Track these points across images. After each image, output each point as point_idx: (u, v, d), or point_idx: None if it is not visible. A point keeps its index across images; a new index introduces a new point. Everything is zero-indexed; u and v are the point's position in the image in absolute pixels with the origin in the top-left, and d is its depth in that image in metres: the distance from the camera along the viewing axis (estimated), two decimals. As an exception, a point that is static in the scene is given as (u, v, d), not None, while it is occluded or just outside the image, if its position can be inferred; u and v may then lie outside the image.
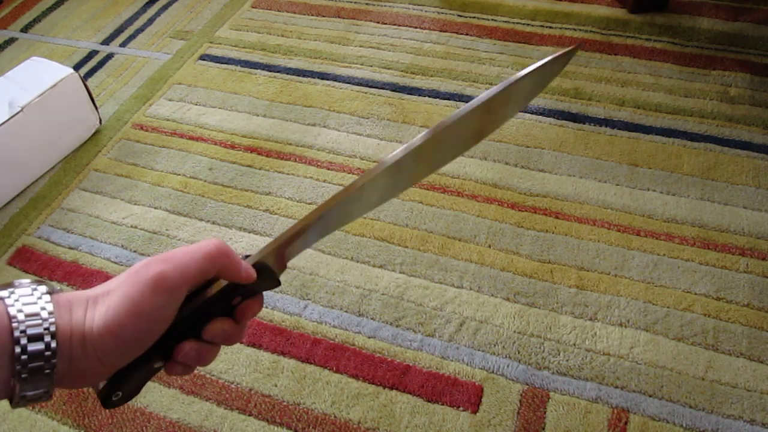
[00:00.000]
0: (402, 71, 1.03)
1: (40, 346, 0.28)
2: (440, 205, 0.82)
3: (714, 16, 1.08)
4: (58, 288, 0.31)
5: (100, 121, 0.99)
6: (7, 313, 0.28)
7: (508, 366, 0.65)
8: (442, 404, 0.63)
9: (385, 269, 0.75)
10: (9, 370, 0.27)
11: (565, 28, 1.08)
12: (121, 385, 0.32)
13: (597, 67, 1.00)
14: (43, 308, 0.28)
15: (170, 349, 0.33)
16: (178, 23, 1.21)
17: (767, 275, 0.71)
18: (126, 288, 0.30)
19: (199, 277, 0.32)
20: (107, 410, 0.65)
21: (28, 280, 0.30)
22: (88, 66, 1.12)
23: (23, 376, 0.27)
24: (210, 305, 0.33)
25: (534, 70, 0.39)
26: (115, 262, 0.79)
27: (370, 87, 1.01)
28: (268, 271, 0.36)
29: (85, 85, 0.94)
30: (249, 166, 0.90)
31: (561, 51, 0.41)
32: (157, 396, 0.66)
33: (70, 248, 0.81)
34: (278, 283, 0.37)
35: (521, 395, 0.63)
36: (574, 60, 1.02)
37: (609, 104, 0.94)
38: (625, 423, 0.61)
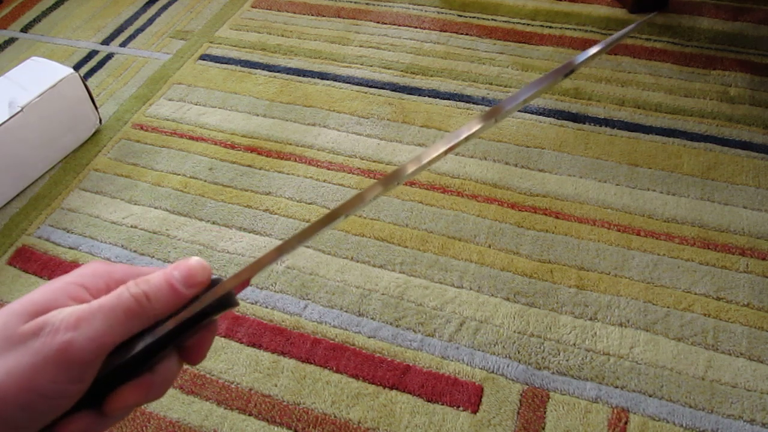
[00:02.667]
0: (402, 71, 1.03)
1: None
2: (440, 205, 0.82)
3: (714, 16, 1.08)
4: None
5: (100, 121, 0.99)
6: None
7: (508, 366, 0.65)
8: (442, 404, 0.63)
9: (385, 269, 0.75)
10: None
11: (565, 28, 1.08)
12: None
13: (597, 67, 1.00)
14: None
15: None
16: (178, 23, 1.21)
17: (767, 275, 0.71)
18: (16, 356, 0.23)
19: (123, 338, 0.25)
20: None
21: None
22: (88, 66, 1.12)
23: None
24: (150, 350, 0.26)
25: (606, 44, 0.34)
26: (116, 262, 0.79)
27: (370, 87, 1.01)
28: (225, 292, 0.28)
29: (85, 85, 0.94)
30: (249, 166, 0.90)
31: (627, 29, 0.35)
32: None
33: (70, 248, 0.81)
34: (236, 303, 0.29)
35: (521, 395, 0.63)
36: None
37: (609, 104, 0.94)
38: (625, 423, 0.61)
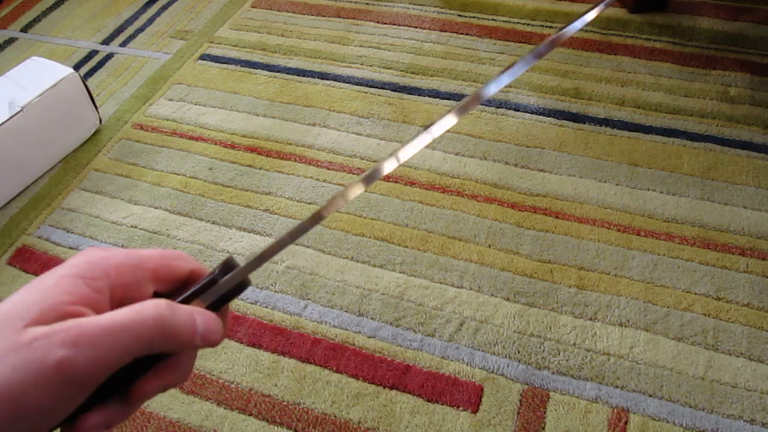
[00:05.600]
0: (402, 71, 1.03)
1: None
2: (440, 205, 0.82)
3: (714, 16, 1.08)
4: None
5: (100, 120, 0.99)
6: None
7: (508, 366, 0.65)
8: (442, 404, 0.63)
9: (385, 269, 0.75)
10: None
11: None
12: None
13: (597, 67, 1.00)
14: None
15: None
16: (178, 23, 1.21)
17: (767, 275, 0.71)
18: (5, 366, 0.21)
19: (124, 362, 0.23)
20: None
21: None
22: (88, 66, 1.12)
23: None
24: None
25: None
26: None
27: (370, 87, 1.01)
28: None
29: (85, 85, 0.94)
30: (249, 165, 0.90)
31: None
32: (157, 396, 0.66)
33: (70, 248, 0.81)
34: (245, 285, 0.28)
35: (521, 395, 0.63)
36: (574, 60, 1.02)
37: (609, 104, 0.94)
38: (625, 423, 0.61)
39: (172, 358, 0.26)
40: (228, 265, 0.27)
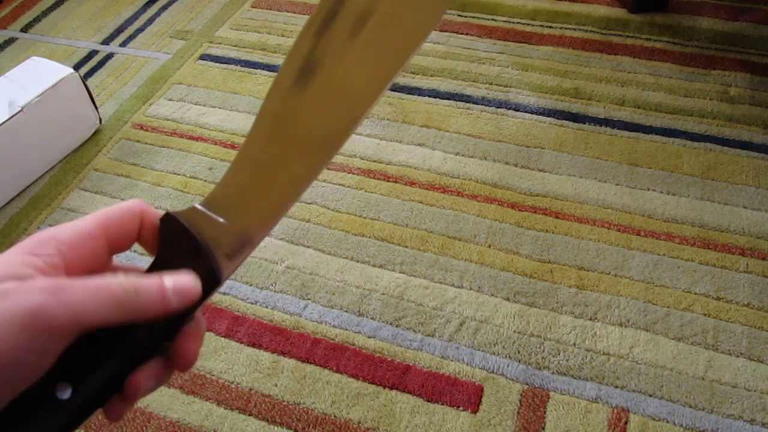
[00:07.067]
0: (402, 71, 1.03)
1: None
2: (440, 205, 0.82)
3: (714, 16, 1.08)
4: None
5: (100, 120, 0.99)
6: None
7: (508, 366, 0.65)
8: (442, 404, 0.63)
9: (385, 269, 0.75)
10: None
11: (565, 28, 1.08)
12: (20, 429, 0.22)
13: (597, 67, 1.00)
14: None
15: (81, 375, 0.23)
16: (178, 23, 1.21)
17: (767, 275, 0.71)
18: None
19: (101, 323, 0.22)
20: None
21: None
22: (88, 66, 1.12)
23: None
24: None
25: None
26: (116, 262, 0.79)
27: (370, 87, 1.01)
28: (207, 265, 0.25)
29: (85, 85, 0.94)
30: (249, 166, 0.90)
31: None
32: (157, 396, 0.66)
33: (70, 248, 0.81)
34: (218, 283, 0.25)
35: (521, 395, 0.63)
36: (574, 60, 1.02)
37: (609, 104, 0.94)
38: (625, 423, 0.61)
39: (195, 319, 0.25)
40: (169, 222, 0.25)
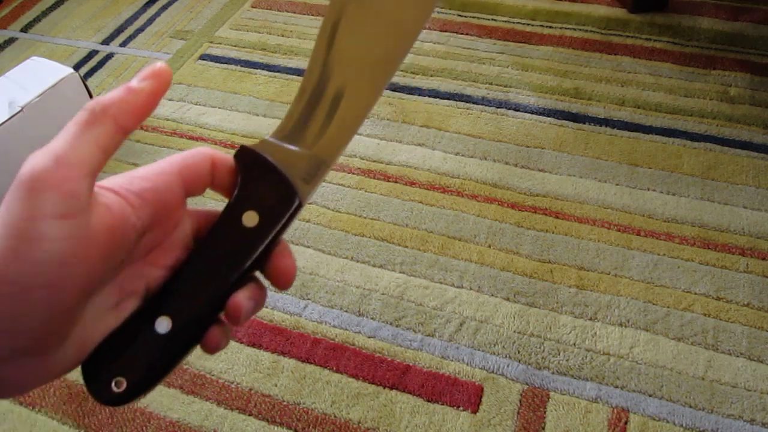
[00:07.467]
0: (402, 71, 1.03)
1: None
2: (440, 205, 0.82)
3: (714, 16, 1.08)
4: None
5: (100, 121, 0.99)
6: None
7: (508, 366, 0.65)
8: (442, 404, 0.63)
9: (385, 269, 0.75)
10: None
11: (565, 28, 1.08)
12: (117, 365, 0.23)
13: (597, 67, 1.00)
14: None
15: (179, 305, 0.24)
16: (178, 23, 1.21)
17: (767, 275, 0.71)
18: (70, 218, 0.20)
19: (91, 152, 0.22)
20: (108, 409, 0.65)
21: None
22: (88, 66, 1.12)
23: None
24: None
25: None
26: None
27: (370, 87, 1.01)
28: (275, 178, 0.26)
29: (85, 85, 0.94)
30: (249, 166, 0.90)
31: None
32: (157, 396, 0.66)
33: (70, 248, 0.81)
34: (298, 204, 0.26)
35: (521, 395, 0.63)
36: (574, 60, 1.02)
37: (609, 104, 0.94)
38: (625, 423, 0.61)
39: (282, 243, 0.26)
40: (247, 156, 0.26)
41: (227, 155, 0.27)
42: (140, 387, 0.23)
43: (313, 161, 0.27)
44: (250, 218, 0.25)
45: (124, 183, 0.24)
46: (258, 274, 0.26)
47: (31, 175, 0.21)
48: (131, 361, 0.23)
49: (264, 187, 0.26)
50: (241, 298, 0.25)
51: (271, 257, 0.26)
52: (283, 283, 0.26)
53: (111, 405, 0.23)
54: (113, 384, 0.23)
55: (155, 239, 0.25)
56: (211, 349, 0.25)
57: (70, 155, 0.21)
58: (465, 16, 1.14)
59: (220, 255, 0.25)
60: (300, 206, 0.26)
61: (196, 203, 0.25)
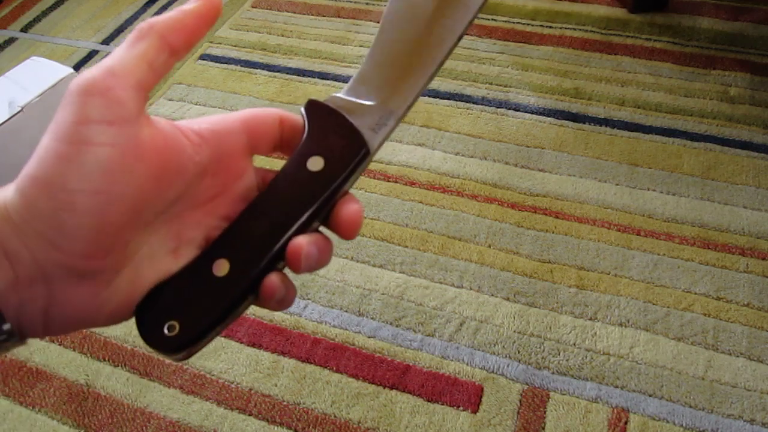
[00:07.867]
0: None
1: None
2: (440, 205, 0.82)
3: (714, 16, 1.08)
4: None
5: (100, 121, 0.99)
6: None
7: (508, 366, 0.65)
8: (442, 404, 0.63)
9: (385, 269, 0.75)
10: None
11: (565, 28, 1.09)
12: (171, 308, 0.22)
13: (597, 67, 1.00)
14: None
15: (237, 248, 0.23)
16: (178, 23, 1.21)
17: (767, 275, 0.71)
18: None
19: (140, 65, 0.22)
20: (108, 409, 0.65)
21: None
22: (88, 66, 1.12)
23: None
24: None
25: None
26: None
27: (370, 87, 1.01)
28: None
29: (85, 85, 0.94)
30: (249, 166, 0.90)
31: None
32: (157, 396, 0.66)
33: (70, 248, 0.81)
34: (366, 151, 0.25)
35: (521, 395, 0.63)
36: (574, 60, 1.02)
37: (609, 104, 0.94)
38: (625, 423, 0.61)
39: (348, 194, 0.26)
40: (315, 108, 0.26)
41: (296, 116, 0.27)
42: (193, 333, 0.22)
43: (383, 111, 0.27)
44: (316, 163, 0.24)
45: (185, 122, 0.24)
46: (324, 229, 0.26)
47: (80, 83, 0.20)
48: (186, 305, 0.22)
49: (331, 133, 0.25)
50: (303, 241, 0.24)
51: (336, 207, 0.25)
52: (349, 231, 0.26)
53: (162, 351, 0.22)
54: (165, 328, 0.22)
55: (216, 186, 0.25)
56: (268, 297, 0.24)
57: (116, 67, 0.21)
58: (465, 16, 1.14)
59: (284, 199, 0.24)
60: (368, 154, 0.25)
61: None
